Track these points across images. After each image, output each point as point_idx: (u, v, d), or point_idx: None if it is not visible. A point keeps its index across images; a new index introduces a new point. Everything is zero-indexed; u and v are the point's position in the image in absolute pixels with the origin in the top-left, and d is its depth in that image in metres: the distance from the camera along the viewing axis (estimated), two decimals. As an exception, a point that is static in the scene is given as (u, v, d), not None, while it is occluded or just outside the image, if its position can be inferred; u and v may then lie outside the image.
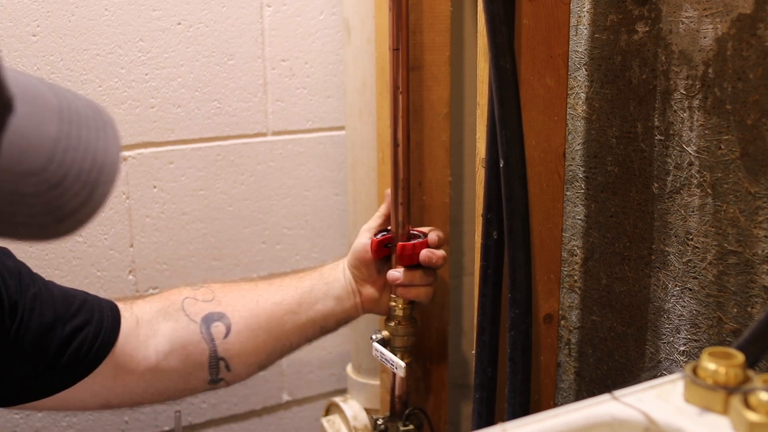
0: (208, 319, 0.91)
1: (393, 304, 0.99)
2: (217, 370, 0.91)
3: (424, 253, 0.95)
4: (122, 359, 0.86)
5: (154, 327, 0.89)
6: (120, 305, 0.89)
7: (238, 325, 0.92)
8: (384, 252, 0.98)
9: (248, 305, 0.94)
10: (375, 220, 1.01)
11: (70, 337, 0.82)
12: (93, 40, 1.10)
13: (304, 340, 0.98)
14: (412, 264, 0.97)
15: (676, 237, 0.84)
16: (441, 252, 0.96)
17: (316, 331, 0.98)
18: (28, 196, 0.49)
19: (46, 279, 0.87)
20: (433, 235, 0.98)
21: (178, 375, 0.90)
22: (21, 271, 0.83)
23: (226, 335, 0.91)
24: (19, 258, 0.96)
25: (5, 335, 0.78)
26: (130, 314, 0.89)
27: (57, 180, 0.50)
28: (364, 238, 0.98)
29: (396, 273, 0.96)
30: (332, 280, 0.98)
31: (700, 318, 0.82)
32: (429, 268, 0.97)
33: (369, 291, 0.99)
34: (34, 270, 1.13)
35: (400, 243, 0.97)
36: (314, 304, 0.96)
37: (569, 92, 0.94)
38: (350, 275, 0.99)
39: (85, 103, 0.55)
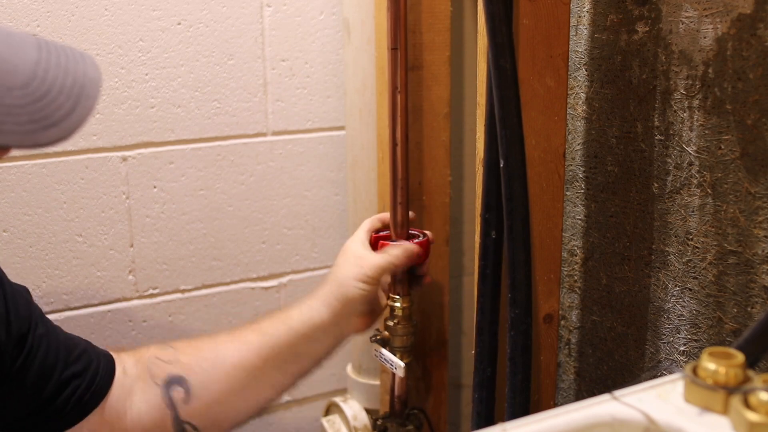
0: (169, 383, 0.88)
1: (392, 304, 0.99)
2: None
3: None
4: (110, 410, 0.85)
5: (132, 382, 0.88)
6: (114, 355, 0.88)
7: (197, 388, 0.88)
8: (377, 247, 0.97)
9: (207, 367, 0.89)
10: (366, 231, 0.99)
11: (66, 383, 0.82)
12: (93, 40, 1.10)
13: (282, 390, 0.93)
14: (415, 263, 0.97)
15: (676, 237, 0.84)
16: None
17: (293, 379, 0.93)
18: (14, 107, 0.58)
19: (53, 324, 0.86)
20: (410, 247, 0.95)
21: None
22: (32, 309, 0.83)
23: (188, 400, 0.87)
24: (19, 256, 0.97)
25: (11, 365, 0.78)
26: (119, 364, 0.88)
27: (41, 94, 0.59)
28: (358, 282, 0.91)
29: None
30: (303, 325, 0.91)
31: (700, 318, 0.82)
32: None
33: (358, 321, 0.94)
34: (34, 270, 1.13)
35: (399, 244, 0.96)
36: (282, 359, 0.90)
37: (569, 92, 0.94)
38: (330, 313, 0.91)
39: (63, 45, 0.65)
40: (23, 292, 0.84)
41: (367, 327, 0.95)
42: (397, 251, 0.93)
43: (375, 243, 0.97)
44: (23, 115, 0.58)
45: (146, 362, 0.89)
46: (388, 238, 0.98)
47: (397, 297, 0.99)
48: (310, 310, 0.91)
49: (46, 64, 0.61)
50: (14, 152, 1.07)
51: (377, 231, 1.00)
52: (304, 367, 0.93)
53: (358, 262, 0.92)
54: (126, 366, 0.88)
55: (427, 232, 1.00)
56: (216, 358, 0.90)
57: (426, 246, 0.97)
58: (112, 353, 0.88)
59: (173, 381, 0.88)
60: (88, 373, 0.84)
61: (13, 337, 0.78)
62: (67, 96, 0.61)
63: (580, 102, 0.95)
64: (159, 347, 0.91)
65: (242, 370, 0.89)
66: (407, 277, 0.98)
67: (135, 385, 0.88)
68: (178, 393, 0.87)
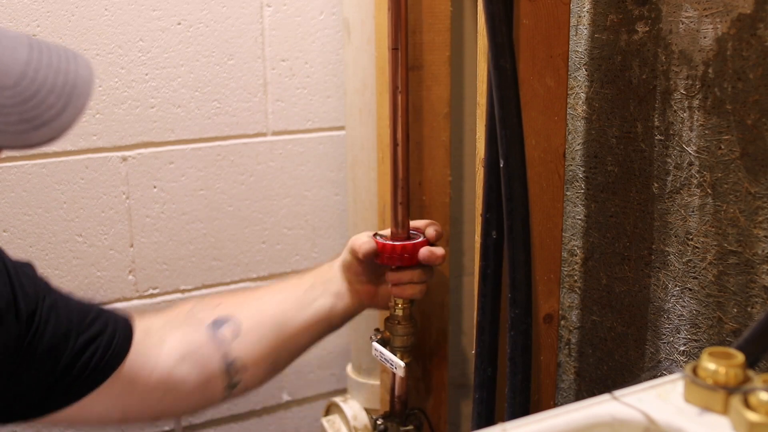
0: (217, 323, 0.92)
1: (392, 303, 0.99)
2: (232, 372, 0.91)
3: (424, 251, 0.95)
4: (134, 369, 0.86)
5: (163, 336, 0.89)
6: (133, 317, 0.90)
7: (246, 325, 0.92)
8: (387, 252, 0.97)
9: (253, 306, 0.95)
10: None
11: (83, 349, 0.83)
12: (93, 40, 1.10)
13: (313, 338, 0.98)
14: (412, 264, 0.96)
15: (676, 237, 0.84)
16: (441, 251, 0.96)
17: (323, 327, 0.98)
18: (4, 107, 0.58)
19: (65, 291, 0.87)
20: (431, 231, 0.98)
21: (194, 381, 0.89)
22: (39, 282, 0.84)
23: (236, 336, 0.91)
24: (19, 256, 0.96)
25: (20, 344, 0.79)
26: (140, 324, 0.89)
27: (30, 94, 0.59)
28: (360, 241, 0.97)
29: (398, 275, 0.96)
30: (329, 278, 0.99)
31: (700, 318, 0.82)
32: (427, 266, 0.97)
33: (365, 288, 0.99)
34: (34, 270, 1.13)
35: (400, 244, 0.96)
36: (316, 299, 0.97)
37: (569, 92, 0.94)
38: (343, 275, 0.99)
39: (55, 44, 0.65)
40: (27, 269, 0.84)
41: (372, 297, 1.00)
42: (364, 236, 0.99)
43: (381, 249, 0.97)
44: (13, 115, 0.58)
45: (186, 312, 0.92)
46: (388, 240, 0.98)
47: (398, 297, 0.99)
48: (331, 265, 1.00)
49: (37, 64, 0.60)
50: (7, 152, 1.08)
51: (375, 234, 1.00)
52: (330, 319, 0.98)
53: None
54: (151, 326, 0.90)
55: (421, 224, 1.00)
56: (260, 297, 0.97)
57: (421, 245, 0.97)
58: (133, 316, 0.90)
59: (221, 321, 0.92)
60: (105, 336, 0.84)
61: (23, 318, 0.79)
62: (57, 96, 0.61)
63: (580, 102, 0.95)
64: (197, 299, 0.96)
65: (285, 306, 0.95)
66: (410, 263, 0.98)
67: (168, 336, 0.89)
68: (226, 330, 0.91)
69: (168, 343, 0.89)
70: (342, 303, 0.98)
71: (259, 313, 0.94)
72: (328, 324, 0.98)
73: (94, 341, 0.83)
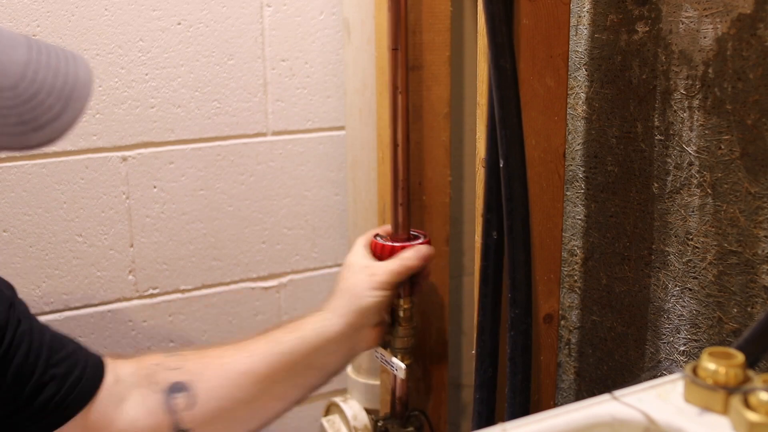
0: (172, 390, 0.86)
1: (393, 305, 0.99)
2: None
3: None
4: (95, 418, 0.83)
5: (125, 392, 0.86)
6: (107, 361, 0.86)
7: (203, 395, 0.86)
8: (386, 253, 0.97)
9: (215, 374, 0.87)
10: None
11: (46, 384, 0.80)
12: (93, 40, 1.10)
13: (291, 403, 0.91)
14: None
15: (676, 237, 0.84)
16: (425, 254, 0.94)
17: (303, 392, 0.91)
18: (2, 108, 0.57)
19: (44, 323, 0.85)
20: (425, 250, 0.94)
21: None
22: (16, 305, 0.81)
23: (190, 407, 0.86)
24: (19, 256, 0.96)
25: None
26: (112, 371, 0.86)
27: (29, 95, 0.58)
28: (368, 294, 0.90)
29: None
30: (316, 337, 0.89)
31: (700, 318, 0.82)
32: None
33: (370, 333, 0.93)
34: (34, 270, 1.13)
35: (399, 245, 0.96)
36: (292, 369, 0.89)
37: (569, 92, 0.94)
38: (344, 324, 0.90)
39: (54, 45, 0.64)
40: (7, 289, 0.82)
41: (379, 340, 0.95)
42: (409, 254, 0.93)
43: (375, 247, 0.97)
44: (12, 117, 0.57)
45: (148, 369, 0.87)
46: (387, 240, 0.98)
47: (398, 299, 0.98)
48: (323, 321, 0.89)
49: (36, 65, 0.60)
50: (6, 153, 1.08)
51: (375, 236, 0.99)
52: (313, 379, 0.91)
53: (368, 271, 0.91)
54: (120, 373, 0.86)
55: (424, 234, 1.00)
56: (224, 365, 0.88)
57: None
58: (107, 359, 0.86)
59: (176, 388, 0.86)
60: (71, 378, 0.81)
61: None
62: (57, 98, 0.60)
63: (580, 102, 0.95)
64: (164, 354, 0.89)
65: (251, 379, 0.87)
66: (408, 281, 0.98)
67: (130, 392, 0.86)
68: (180, 399, 0.85)
69: (127, 401, 0.85)
70: (334, 359, 0.90)
71: (219, 385, 0.87)
72: (311, 387, 0.91)
73: (59, 379, 0.80)
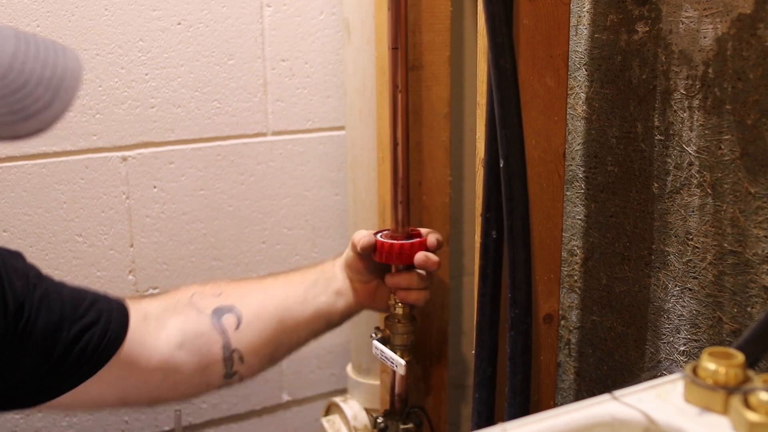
0: (219, 312, 0.92)
1: (392, 302, 0.99)
2: (231, 362, 0.91)
3: (420, 256, 0.95)
4: (132, 354, 0.86)
5: (163, 321, 0.90)
6: (129, 302, 0.90)
7: (248, 316, 0.93)
8: (385, 250, 0.97)
9: (256, 298, 0.95)
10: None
11: (77, 337, 0.82)
12: (93, 40, 1.10)
13: (312, 334, 0.98)
14: (410, 263, 0.96)
15: (676, 237, 0.84)
16: (436, 258, 0.96)
17: (322, 324, 0.98)
18: None
19: (58, 280, 0.87)
20: (432, 238, 0.97)
21: (192, 368, 0.90)
22: (29, 272, 0.83)
23: (237, 326, 0.92)
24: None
25: (11, 335, 0.79)
26: (137, 310, 0.89)
27: (18, 86, 0.58)
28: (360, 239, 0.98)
29: (396, 278, 0.96)
30: (332, 275, 0.99)
31: (700, 318, 0.82)
32: (425, 271, 0.97)
33: (364, 287, 0.99)
34: (34, 270, 1.13)
35: (398, 242, 0.96)
36: (318, 296, 0.97)
37: (569, 92, 0.94)
38: (345, 273, 0.99)
39: (42, 37, 0.64)
40: (16, 261, 0.83)
41: (371, 297, 1.00)
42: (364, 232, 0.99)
43: (379, 247, 0.97)
44: (1, 107, 0.58)
45: (186, 298, 0.92)
46: (387, 237, 0.98)
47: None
48: (328, 301, 0.98)
49: (25, 56, 0.60)
50: (11, 152, 1.08)
51: (377, 233, 1.00)
52: (331, 315, 0.99)
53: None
54: (149, 311, 0.90)
55: (423, 231, 1.00)
56: (264, 289, 0.96)
57: (418, 247, 0.97)
58: (130, 300, 0.90)
59: (223, 310, 0.92)
60: (100, 324, 0.84)
61: (10, 314, 0.79)
62: (45, 88, 0.60)
63: (580, 102, 0.95)
64: (199, 285, 0.95)
65: (288, 301, 0.95)
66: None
67: (168, 321, 0.89)
68: (228, 320, 0.91)
69: (168, 329, 0.89)
70: (342, 301, 0.98)
71: (261, 305, 0.94)
72: (327, 321, 0.99)
73: (88, 330, 0.83)
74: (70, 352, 0.82)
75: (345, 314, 1.00)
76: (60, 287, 0.85)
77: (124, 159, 1.15)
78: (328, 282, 0.98)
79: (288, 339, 0.96)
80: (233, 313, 0.92)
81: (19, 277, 0.81)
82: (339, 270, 1.00)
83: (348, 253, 0.98)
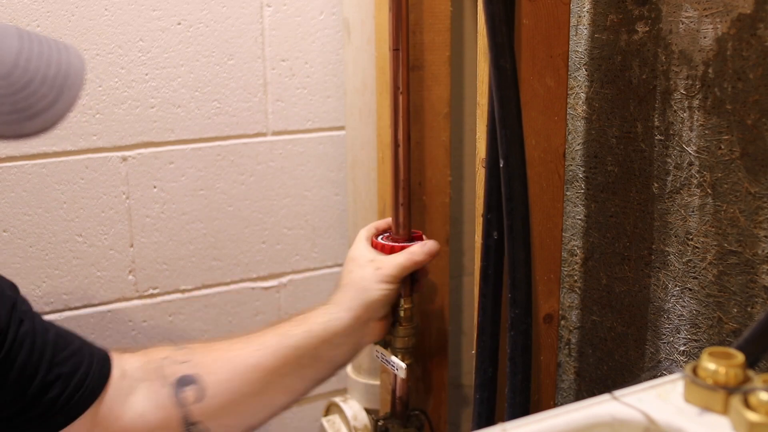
0: (180, 383, 0.86)
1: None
2: None
3: (415, 246, 0.95)
4: (101, 414, 0.83)
5: (135, 383, 0.86)
6: (113, 355, 0.87)
7: (212, 388, 0.86)
8: (386, 253, 0.97)
9: (224, 367, 0.88)
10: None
11: (52, 384, 0.80)
12: (93, 40, 1.10)
13: (298, 395, 0.92)
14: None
15: (676, 237, 0.84)
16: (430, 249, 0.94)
17: (310, 384, 0.92)
18: None
19: (49, 321, 0.84)
20: (431, 245, 0.95)
21: None
22: (18, 305, 0.81)
23: (199, 400, 0.86)
24: (19, 256, 0.95)
25: None
26: (118, 365, 0.86)
27: (23, 84, 0.59)
28: (375, 288, 0.91)
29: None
30: (324, 330, 0.90)
31: (700, 318, 0.82)
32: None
33: (376, 327, 0.94)
34: (34, 270, 1.13)
35: (399, 245, 0.96)
36: (300, 362, 0.89)
37: (569, 92, 0.94)
38: (351, 318, 0.90)
39: (46, 36, 0.64)
40: (8, 289, 0.81)
41: (384, 333, 0.96)
42: (416, 248, 0.93)
43: (376, 247, 0.97)
44: (5, 105, 0.58)
45: (157, 363, 0.87)
46: (388, 240, 0.98)
47: (399, 298, 0.98)
48: (330, 314, 0.90)
49: (29, 54, 0.60)
50: (11, 152, 1.08)
51: (376, 236, 1.00)
52: (320, 372, 0.91)
53: (374, 264, 0.92)
54: (126, 368, 0.86)
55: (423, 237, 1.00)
56: (233, 358, 0.88)
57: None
58: (113, 354, 0.87)
59: (185, 380, 0.86)
60: (77, 376, 0.81)
61: None
62: (50, 86, 0.61)
63: (580, 102, 0.95)
64: (172, 348, 0.90)
65: (259, 372, 0.87)
66: (409, 279, 0.98)
67: (138, 386, 0.86)
68: (189, 392, 0.86)
69: (135, 394, 0.86)
70: (340, 352, 0.91)
71: (228, 378, 0.87)
72: (316, 381, 0.91)
73: (64, 378, 0.80)
74: (43, 396, 0.79)
75: (345, 363, 0.93)
76: (47, 328, 0.82)
77: (124, 159, 1.15)
78: (317, 341, 0.89)
79: (266, 406, 0.90)
80: (196, 384, 0.86)
81: (3, 304, 0.79)
82: (343, 314, 0.91)
83: (381, 289, 0.90)
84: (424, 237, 0.99)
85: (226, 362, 0.88)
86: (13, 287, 0.83)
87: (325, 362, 0.91)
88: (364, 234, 0.99)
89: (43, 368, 0.79)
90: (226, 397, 0.87)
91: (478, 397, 0.83)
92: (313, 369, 0.90)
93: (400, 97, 0.94)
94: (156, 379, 0.86)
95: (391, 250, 0.96)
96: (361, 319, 0.90)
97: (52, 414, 0.80)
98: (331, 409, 1.25)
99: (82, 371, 0.82)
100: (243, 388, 0.87)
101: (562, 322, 1.03)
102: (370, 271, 0.91)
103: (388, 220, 1.01)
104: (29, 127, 0.59)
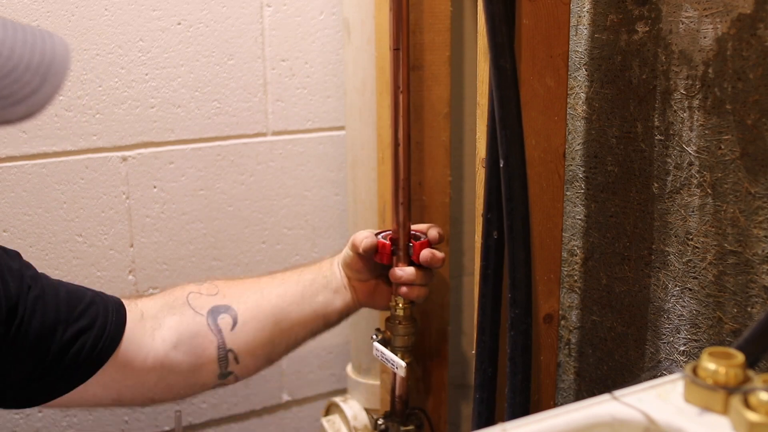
0: (214, 312, 0.92)
1: (393, 303, 0.99)
2: (226, 362, 0.91)
3: (426, 253, 0.95)
4: (128, 356, 0.86)
5: (159, 321, 0.89)
6: (125, 302, 0.90)
7: (244, 316, 0.92)
8: (387, 251, 0.97)
9: (253, 297, 0.95)
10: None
11: (72, 341, 0.82)
12: (93, 40, 1.10)
13: (309, 333, 0.98)
14: (413, 263, 0.97)
15: (676, 237, 0.84)
16: (441, 254, 0.96)
17: (320, 323, 0.98)
18: None
19: (57, 279, 0.86)
20: (434, 232, 0.98)
21: (187, 368, 0.90)
22: (25, 272, 0.83)
23: (233, 327, 0.91)
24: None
25: (4, 336, 0.78)
26: (134, 309, 0.89)
27: (6, 71, 0.59)
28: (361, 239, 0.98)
29: (399, 272, 0.96)
30: (329, 274, 0.99)
31: (700, 318, 0.82)
32: (427, 269, 0.97)
33: (363, 286, 0.99)
34: (34, 270, 1.13)
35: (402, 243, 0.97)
36: (316, 295, 0.97)
37: (569, 92, 0.94)
38: (343, 272, 0.99)
39: (30, 25, 0.65)
40: (12, 261, 0.83)
41: (370, 295, 1.00)
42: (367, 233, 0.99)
43: (380, 249, 0.97)
44: None
45: (182, 297, 0.92)
46: (388, 239, 0.98)
47: (399, 297, 0.99)
48: (326, 300, 0.98)
49: (12, 42, 0.61)
50: (11, 152, 1.08)
51: (377, 234, 1.00)
52: (328, 314, 0.99)
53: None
54: (146, 310, 0.90)
55: (423, 227, 1.00)
56: (261, 289, 0.96)
57: (419, 248, 0.97)
58: (127, 300, 0.90)
59: (219, 309, 0.92)
60: (95, 327, 0.84)
61: (3, 313, 0.78)
62: (34, 73, 0.61)
63: (580, 102, 0.95)
64: (196, 284, 0.95)
65: (285, 301, 0.95)
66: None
67: (164, 321, 0.89)
68: (224, 320, 0.91)
69: (163, 329, 0.89)
70: (340, 300, 0.98)
71: (257, 305, 0.94)
72: (326, 320, 0.99)
73: (83, 333, 0.83)
74: (64, 355, 0.82)
75: (343, 313, 1.00)
76: (57, 288, 0.85)
77: (124, 159, 1.15)
78: (326, 281, 0.98)
79: (285, 339, 0.96)
80: (229, 313, 0.92)
81: (13, 278, 0.81)
82: (337, 269, 1.00)
83: (347, 252, 0.98)
84: (427, 237, 0.99)
85: (254, 293, 0.95)
86: (16, 256, 0.85)
87: (331, 303, 0.98)
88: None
89: (60, 328, 0.82)
90: (257, 324, 0.93)
91: (478, 396, 0.83)
92: (322, 306, 0.98)
93: (401, 97, 0.94)
94: (187, 310, 0.91)
95: (390, 248, 0.96)
96: (347, 274, 0.99)
97: (77, 367, 0.83)
98: (331, 409, 1.25)
99: (100, 322, 0.85)
100: (271, 316, 0.94)
101: (562, 322, 1.03)
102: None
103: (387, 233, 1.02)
104: (13, 114, 0.60)
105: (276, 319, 0.94)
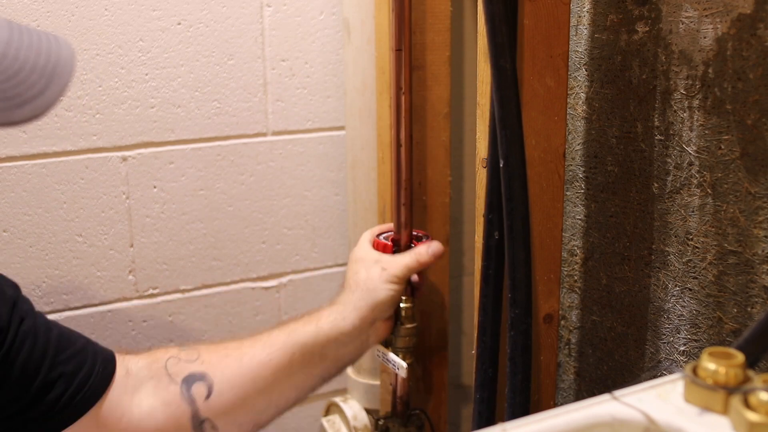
0: (189, 380, 0.87)
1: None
2: (201, 430, 0.87)
3: (421, 247, 0.95)
4: (105, 413, 0.83)
5: (140, 381, 0.86)
6: (116, 355, 0.87)
7: (221, 385, 0.87)
8: (388, 252, 0.97)
9: (232, 365, 0.89)
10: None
11: (53, 383, 0.80)
12: (93, 40, 1.10)
13: (305, 393, 0.93)
14: None
15: (676, 237, 0.84)
16: (436, 251, 0.95)
17: (317, 382, 0.93)
18: None
19: (53, 320, 0.84)
20: (436, 246, 0.95)
21: None
22: (19, 304, 0.81)
23: (208, 396, 0.87)
24: (19, 256, 0.95)
25: None
26: (122, 365, 0.86)
27: (12, 72, 0.59)
28: (383, 288, 0.92)
29: (425, 250, 0.94)
30: (331, 329, 0.91)
31: (700, 318, 0.82)
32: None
33: (385, 324, 0.95)
34: (34, 270, 1.13)
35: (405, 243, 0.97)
36: (308, 360, 0.90)
37: (569, 92, 0.94)
38: (364, 315, 0.91)
39: (35, 28, 0.65)
40: (8, 288, 0.81)
41: (389, 332, 0.96)
42: (422, 249, 0.94)
43: (378, 246, 0.97)
44: None
45: (162, 362, 0.88)
46: (389, 240, 0.98)
47: (402, 297, 0.98)
48: (338, 314, 0.91)
49: (18, 44, 0.61)
50: (11, 152, 1.08)
51: (379, 234, 1.00)
52: (327, 370, 0.93)
53: (380, 265, 0.93)
54: (131, 367, 0.87)
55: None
56: (241, 356, 0.89)
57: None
58: (117, 354, 0.87)
59: (194, 378, 0.87)
60: (79, 375, 0.81)
61: None
62: (39, 75, 0.61)
63: (580, 102, 0.95)
64: (178, 348, 0.90)
65: (267, 369, 0.88)
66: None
67: (144, 384, 0.86)
68: (198, 389, 0.87)
69: (141, 392, 0.86)
70: (346, 351, 0.92)
71: (236, 374, 0.88)
72: (323, 378, 0.92)
73: (66, 377, 0.80)
74: (45, 395, 0.79)
75: (351, 361, 0.94)
76: (50, 327, 0.82)
77: (124, 159, 1.15)
78: (325, 339, 0.90)
79: (273, 403, 0.91)
80: (204, 381, 0.87)
81: (4, 304, 0.79)
82: (351, 316, 0.91)
83: (388, 287, 0.91)
84: (429, 237, 0.99)
85: (234, 360, 0.89)
86: (14, 286, 0.83)
87: (332, 361, 0.92)
88: (368, 236, 1.00)
89: (45, 367, 0.79)
90: (235, 393, 0.87)
91: (478, 396, 0.83)
92: (319, 367, 0.91)
93: (402, 98, 0.94)
94: (163, 376, 0.87)
95: (392, 249, 0.96)
96: (367, 319, 0.91)
97: (55, 413, 0.80)
98: (331, 409, 1.25)
99: (86, 370, 0.82)
100: (251, 385, 0.88)
101: (562, 322, 1.03)
102: (376, 272, 0.92)
103: (389, 225, 1.01)
104: (18, 115, 0.60)
105: (258, 387, 0.89)
